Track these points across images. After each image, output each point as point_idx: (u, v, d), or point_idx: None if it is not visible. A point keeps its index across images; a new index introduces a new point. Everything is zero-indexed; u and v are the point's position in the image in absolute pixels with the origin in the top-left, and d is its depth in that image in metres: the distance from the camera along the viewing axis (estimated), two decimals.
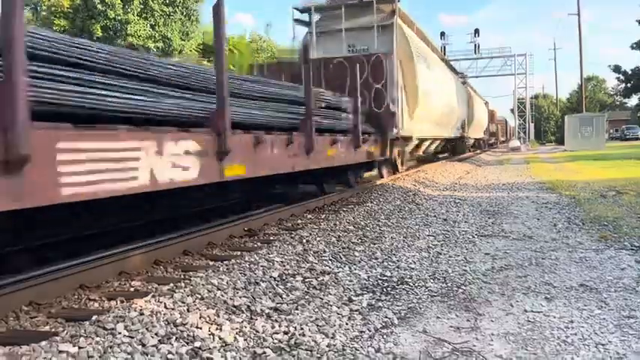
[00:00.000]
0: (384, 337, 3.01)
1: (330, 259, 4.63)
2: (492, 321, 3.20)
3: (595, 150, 28.86)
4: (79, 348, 2.57)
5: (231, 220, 5.82)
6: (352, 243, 5.31)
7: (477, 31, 48.66)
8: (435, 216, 7.19)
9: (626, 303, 3.39)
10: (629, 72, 27.67)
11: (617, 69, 28.35)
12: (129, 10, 18.63)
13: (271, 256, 4.50)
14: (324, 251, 4.86)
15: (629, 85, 28.47)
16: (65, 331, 2.79)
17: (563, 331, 2.99)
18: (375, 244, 5.34)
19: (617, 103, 75.07)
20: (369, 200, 8.38)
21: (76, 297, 3.60)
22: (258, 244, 5.20)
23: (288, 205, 7.24)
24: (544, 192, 9.96)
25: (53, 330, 2.95)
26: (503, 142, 52.00)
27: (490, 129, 40.00)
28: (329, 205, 8.01)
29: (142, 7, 19.27)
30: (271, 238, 5.49)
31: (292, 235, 5.42)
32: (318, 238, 5.31)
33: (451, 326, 3.14)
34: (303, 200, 7.75)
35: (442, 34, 49.19)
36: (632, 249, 4.85)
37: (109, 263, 4.02)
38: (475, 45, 48.19)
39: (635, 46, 27.00)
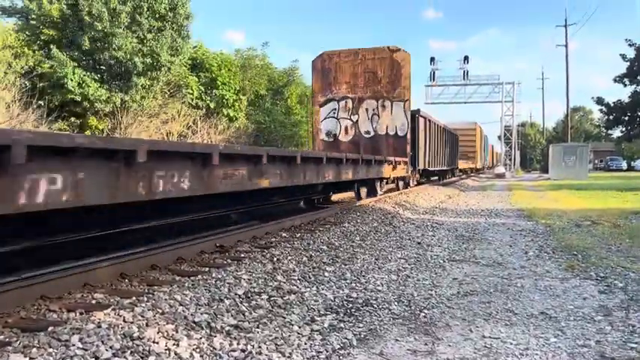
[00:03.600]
0: (341, 357, 3.03)
1: (299, 279, 4.64)
2: (450, 345, 3.23)
3: (578, 179, 29.24)
4: (30, 359, 2.56)
5: (203, 236, 5.80)
6: (323, 263, 5.32)
7: (466, 58, 49.51)
8: (409, 239, 7.23)
9: (582, 332, 3.44)
10: (611, 105, 28.10)
11: (599, 101, 28.76)
12: (116, 22, 18.64)
13: (239, 273, 4.50)
14: (294, 270, 4.87)
15: (611, 117, 28.87)
16: (18, 342, 2.77)
17: (517, 357, 3.03)
18: (346, 264, 5.37)
19: (603, 134, 76.19)
20: (346, 221, 8.41)
21: (36, 307, 3.57)
22: (228, 260, 5.20)
23: (264, 223, 7.24)
24: (521, 219, 10.07)
25: (7, 340, 2.92)
26: (490, 167, 52.45)
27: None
28: (306, 225, 8.02)
29: (130, 20, 19.30)
30: (242, 255, 5.49)
31: (264, 253, 5.42)
32: (289, 257, 5.32)
33: (408, 349, 3.17)
34: (280, 218, 7.76)
35: (432, 59, 49.97)
36: (597, 279, 4.92)
37: (74, 275, 3.99)
38: (464, 72, 49.01)
39: (617, 79, 27.48)
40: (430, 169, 18.42)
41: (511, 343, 3.26)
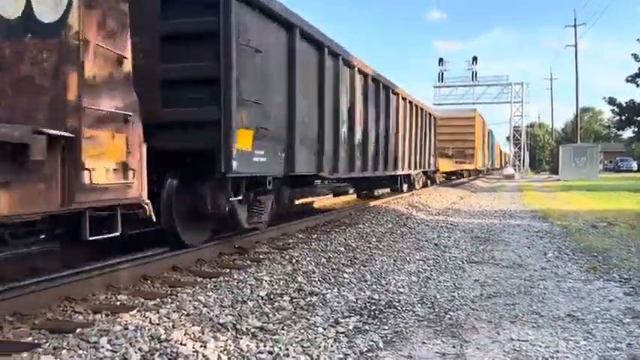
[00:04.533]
0: None
1: (319, 280, 4.62)
2: (478, 348, 3.20)
3: (588, 180, 29.03)
4: None
5: (222, 237, 5.80)
6: (342, 264, 5.30)
7: (474, 59, 49.20)
8: (426, 240, 7.19)
9: (612, 335, 3.39)
10: (624, 105, 27.91)
11: (611, 101, 28.59)
12: None
13: (260, 274, 4.49)
14: (314, 272, 4.85)
15: (623, 117, 28.69)
16: (48, 343, 2.77)
17: None
18: (365, 266, 5.34)
19: (612, 134, 75.73)
20: (361, 222, 8.38)
21: (62, 309, 3.57)
22: (248, 262, 5.19)
23: (280, 224, 7.23)
24: (536, 220, 10.00)
25: (36, 341, 2.92)
26: (498, 169, 52.22)
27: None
28: (321, 225, 8.00)
29: None
30: (261, 256, 5.47)
31: (282, 255, 5.41)
32: (308, 258, 5.31)
33: (437, 352, 3.13)
34: (296, 219, 7.75)
35: (440, 60, 49.77)
36: (621, 281, 4.87)
37: (98, 276, 3.99)
38: (472, 72, 48.68)
39: (630, 79, 27.29)
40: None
41: (540, 346, 3.21)
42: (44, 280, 3.79)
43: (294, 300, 3.97)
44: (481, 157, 31.53)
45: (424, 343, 3.28)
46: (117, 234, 3.59)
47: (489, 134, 38.67)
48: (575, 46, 42.60)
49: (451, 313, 3.86)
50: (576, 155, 33.91)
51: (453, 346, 3.22)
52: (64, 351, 2.65)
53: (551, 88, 69.00)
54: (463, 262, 5.75)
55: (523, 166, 54.89)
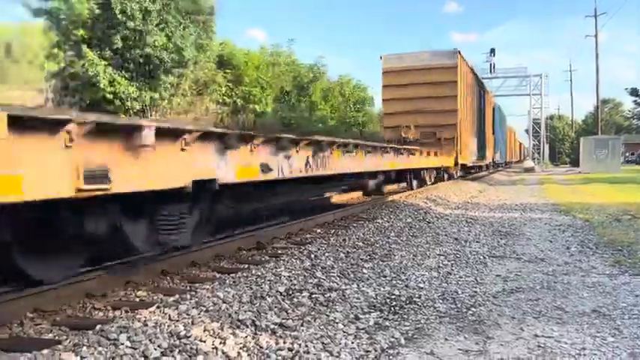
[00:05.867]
0: (390, 357, 2.95)
1: (338, 276, 4.57)
2: (502, 345, 3.13)
3: (610, 173, 28.52)
4: (81, 358, 2.55)
5: (241, 233, 5.79)
6: (361, 259, 5.25)
7: (492, 51, 48.72)
8: (445, 235, 7.10)
9: None
10: None
11: (634, 92, 28.16)
12: (148, 21, 18.87)
13: (278, 270, 4.46)
14: (332, 267, 4.81)
15: None
16: (68, 340, 2.77)
17: (575, 358, 2.91)
18: (384, 261, 5.28)
19: (634, 126, 74.32)
20: (379, 216, 8.31)
21: (81, 305, 3.58)
22: (266, 257, 5.16)
23: (298, 219, 7.20)
24: (557, 214, 9.83)
25: (56, 338, 2.93)
26: (517, 162, 51.65)
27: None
28: (339, 220, 7.95)
29: (160, 18, 19.52)
30: (279, 252, 5.45)
31: (300, 250, 5.38)
32: (326, 254, 5.26)
33: (459, 349, 3.08)
34: (313, 214, 7.71)
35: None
36: None
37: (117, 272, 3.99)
38: (490, 64, 48.18)
39: None
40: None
41: (566, 343, 3.13)
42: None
43: (313, 296, 3.93)
44: (472, 143, 18.67)
45: (446, 339, 3.23)
46: None
47: (498, 112, 29.79)
48: (596, 36, 41.84)
49: (473, 309, 3.79)
50: (597, 147, 33.36)
51: (476, 343, 3.16)
52: (85, 348, 2.64)
53: (570, 80, 67.98)
54: (484, 257, 5.66)
55: (542, 158, 54.22)
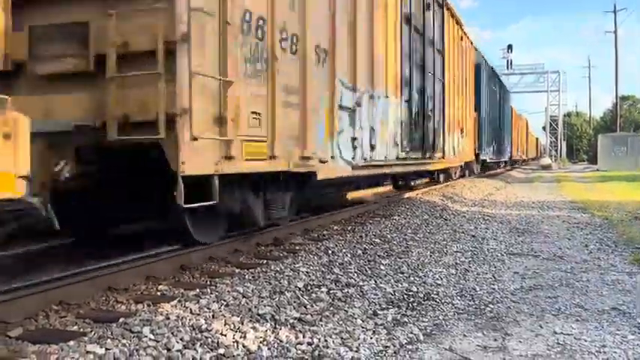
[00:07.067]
0: (409, 353, 2.96)
1: (356, 272, 4.59)
2: (520, 342, 3.13)
3: (629, 171, 28.17)
4: (106, 349, 2.60)
5: (258, 229, 5.83)
6: (378, 256, 5.26)
7: (509, 47, 48.21)
8: (463, 232, 7.09)
9: None
10: None
11: None
12: None
13: (297, 265, 4.49)
14: (350, 263, 4.84)
15: None
16: (93, 332, 2.83)
17: (595, 355, 2.90)
18: (401, 258, 5.29)
19: None
20: (396, 213, 8.32)
21: (104, 299, 3.65)
22: (284, 253, 5.20)
23: (315, 216, 7.23)
24: (576, 212, 9.75)
25: (81, 330, 2.99)
26: (534, 159, 51.19)
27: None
28: (355, 217, 7.98)
29: None
30: (297, 247, 5.49)
31: (318, 246, 5.41)
32: (344, 250, 5.29)
33: (478, 345, 3.08)
34: (330, 211, 7.74)
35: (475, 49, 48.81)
36: None
37: (137, 267, 4.07)
38: (508, 61, 47.69)
39: None
40: None
41: (585, 340, 3.13)
42: (85, 270, 3.87)
43: (332, 291, 3.96)
44: (454, 139, 13.48)
45: (465, 335, 3.24)
46: None
47: (506, 95, 25.07)
48: (615, 32, 41.31)
49: (491, 306, 3.79)
50: (616, 145, 33.01)
51: (495, 339, 3.17)
52: (109, 340, 2.70)
53: (589, 77, 66.84)
54: (502, 254, 5.64)
55: (560, 156, 53.69)
